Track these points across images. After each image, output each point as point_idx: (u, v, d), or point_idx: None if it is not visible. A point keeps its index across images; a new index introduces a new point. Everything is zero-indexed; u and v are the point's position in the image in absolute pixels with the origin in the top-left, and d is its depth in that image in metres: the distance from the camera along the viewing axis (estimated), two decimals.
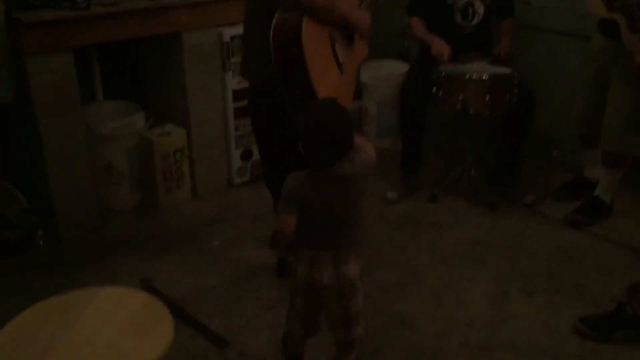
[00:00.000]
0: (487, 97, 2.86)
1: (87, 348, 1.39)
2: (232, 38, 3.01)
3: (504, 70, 2.94)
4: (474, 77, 2.87)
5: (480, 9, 3.14)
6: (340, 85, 2.19)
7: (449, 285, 2.53)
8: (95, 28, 2.62)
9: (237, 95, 3.13)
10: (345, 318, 1.85)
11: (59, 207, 2.75)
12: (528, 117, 3.06)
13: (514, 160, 3.19)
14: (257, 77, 2.29)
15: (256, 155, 3.30)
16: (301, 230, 1.77)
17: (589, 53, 2.88)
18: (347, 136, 1.74)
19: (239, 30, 2.98)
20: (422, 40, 3.19)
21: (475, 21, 3.17)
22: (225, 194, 3.26)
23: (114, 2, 2.66)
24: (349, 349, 1.93)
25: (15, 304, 2.05)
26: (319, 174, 1.76)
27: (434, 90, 2.97)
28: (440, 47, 3.05)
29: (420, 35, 3.20)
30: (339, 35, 2.20)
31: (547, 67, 3.39)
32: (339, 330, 1.88)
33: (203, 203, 3.17)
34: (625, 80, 2.65)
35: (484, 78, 2.86)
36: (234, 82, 3.11)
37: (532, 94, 3.06)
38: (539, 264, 2.67)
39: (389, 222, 3.00)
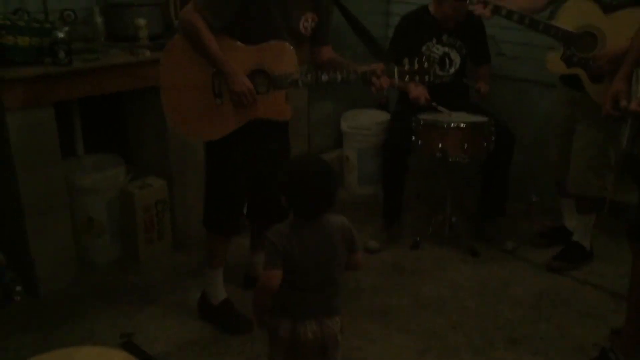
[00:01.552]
0: (466, 145, 2.92)
1: None
2: None
3: (480, 118, 3.01)
4: (452, 125, 2.93)
5: (456, 58, 3.23)
6: (211, 113, 2.30)
7: (433, 333, 2.52)
8: (77, 83, 2.63)
9: None
10: None
11: (38, 262, 2.71)
12: (509, 155, 3.13)
13: (498, 201, 3.23)
14: None
15: None
16: (284, 286, 1.77)
17: (555, 102, 2.96)
18: (332, 187, 1.77)
19: None
20: (400, 87, 3.26)
21: (452, 70, 3.23)
22: None
23: (95, 58, 2.69)
24: None
25: None
26: (304, 225, 1.77)
27: (413, 139, 3.02)
28: (417, 91, 3.12)
29: (398, 83, 3.25)
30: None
31: (522, 114, 3.47)
32: None
33: (185, 254, 3.14)
34: (590, 123, 2.73)
35: (461, 126, 2.92)
36: None
37: (511, 132, 3.13)
38: (522, 310, 2.67)
39: (372, 271, 2.99)
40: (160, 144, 3.06)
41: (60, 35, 2.55)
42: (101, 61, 2.70)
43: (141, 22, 2.88)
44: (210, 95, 2.28)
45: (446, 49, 3.20)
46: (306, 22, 2.35)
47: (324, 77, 2.24)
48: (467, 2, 2.75)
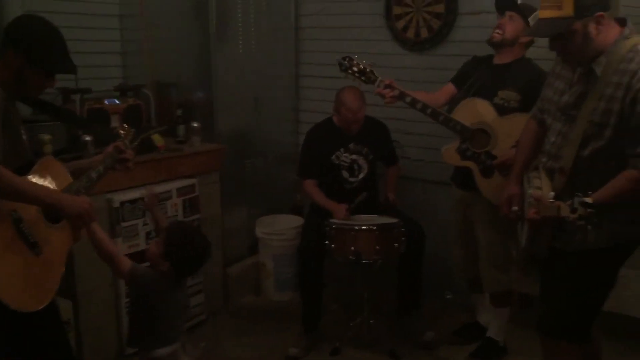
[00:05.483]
0: (377, 246, 2.97)
1: None
2: (122, 203, 2.98)
3: (390, 219, 3.09)
4: (363, 228, 2.98)
5: (364, 164, 3.37)
6: (35, 269, 1.92)
7: None
8: None
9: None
10: None
11: None
12: (421, 249, 3.19)
13: (414, 295, 3.27)
14: None
15: None
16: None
17: (451, 202, 3.10)
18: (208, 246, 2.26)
19: (128, 195, 2.98)
20: (321, 205, 3.31)
21: (361, 175, 3.37)
22: None
23: None
24: None
25: None
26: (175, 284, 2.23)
27: (327, 242, 3.04)
28: (341, 212, 3.16)
29: (318, 201, 3.33)
30: (34, 210, 1.95)
31: (429, 213, 3.59)
32: None
33: None
34: (486, 223, 2.87)
35: (372, 228, 2.98)
36: (124, 246, 3.03)
37: (421, 228, 3.21)
38: None
39: None
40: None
41: None
42: None
43: (45, 137, 2.83)
44: (24, 249, 1.89)
45: (354, 157, 3.34)
46: None
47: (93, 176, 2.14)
48: (375, 84, 2.80)
